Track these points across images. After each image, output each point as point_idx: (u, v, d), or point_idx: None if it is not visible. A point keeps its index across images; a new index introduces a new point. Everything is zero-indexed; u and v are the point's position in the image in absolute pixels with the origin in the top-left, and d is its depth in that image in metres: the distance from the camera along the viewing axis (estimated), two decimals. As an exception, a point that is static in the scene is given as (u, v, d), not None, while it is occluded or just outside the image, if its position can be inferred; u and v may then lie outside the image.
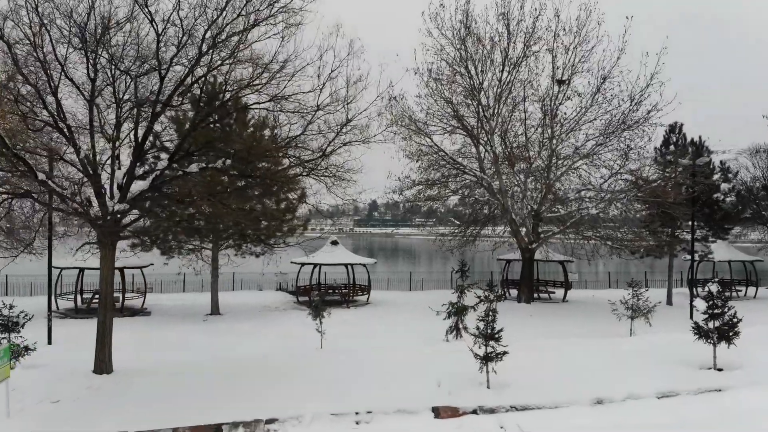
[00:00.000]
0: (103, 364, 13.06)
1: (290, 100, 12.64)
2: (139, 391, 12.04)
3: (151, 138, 14.82)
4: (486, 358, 11.09)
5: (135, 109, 11.79)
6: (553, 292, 34.05)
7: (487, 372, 11.20)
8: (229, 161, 11.59)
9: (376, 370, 12.93)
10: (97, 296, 29.99)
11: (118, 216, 11.83)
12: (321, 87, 11.80)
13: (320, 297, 18.87)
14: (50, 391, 12.52)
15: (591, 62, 29.48)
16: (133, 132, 11.99)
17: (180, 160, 12.88)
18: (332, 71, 11.60)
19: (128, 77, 11.34)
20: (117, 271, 28.62)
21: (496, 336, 11.07)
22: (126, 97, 11.70)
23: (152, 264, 29.03)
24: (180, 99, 11.63)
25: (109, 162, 13.14)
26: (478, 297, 11.22)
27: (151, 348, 19.92)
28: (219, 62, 11.57)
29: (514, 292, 32.91)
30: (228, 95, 12.43)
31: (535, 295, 32.79)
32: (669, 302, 31.79)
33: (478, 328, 11.29)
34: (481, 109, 29.93)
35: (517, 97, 30.21)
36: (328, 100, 12.00)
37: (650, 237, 30.65)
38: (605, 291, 39.77)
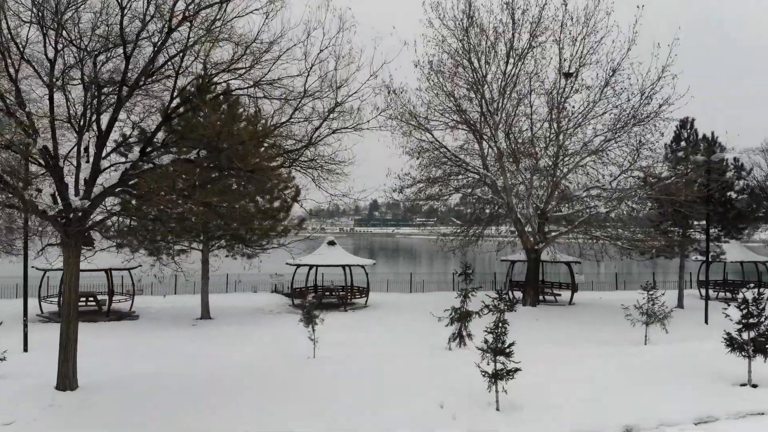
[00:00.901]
0: (66, 380, 11.71)
1: (275, 86, 11.29)
2: (101, 412, 10.70)
3: (130, 128, 13.47)
4: (495, 376, 9.71)
5: (96, 94, 10.40)
6: (559, 295, 32.70)
7: (497, 392, 9.83)
8: (203, 152, 10.25)
9: (371, 386, 11.56)
10: (82, 299, 28.86)
11: (80, 214, 10.48)
12: (309, 69, 10.44)
13: (312, 302, 17.47)
14: (8, 409, 11.20)
15: (600, 54, 28.15)
16: (95, 119, 10.59)
17: (154, 151, 11.55)
18: (321, 51, 10.25)
19: (87, 56, 9.95)
20: (103, 273, 27.64)
21: (507, 351, 9.69)
22: (88, 79, 10.31)
23: (140, 265, 27.67)
24: (144, 81, 10.26)
25: (77, 154, 11.81)
26: (487, 306, 9.87)
27: (131, 356, 18.65)
28: (194, 40, 10.21)
29: (518, 294, 31.65)
30: (206, 79, 11.05)
31: (540, 297, 31.45)
32: (680, 305, 30.41)
33: (486, 341, 9.91)
34: (484, 103, 28.53)
35: (522, 90, 28.84)
36: (317, 84, 10.66)
37: (661, 237, 29.28)
38: (612, 293, 38.48)
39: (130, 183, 10.43)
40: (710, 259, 30.85)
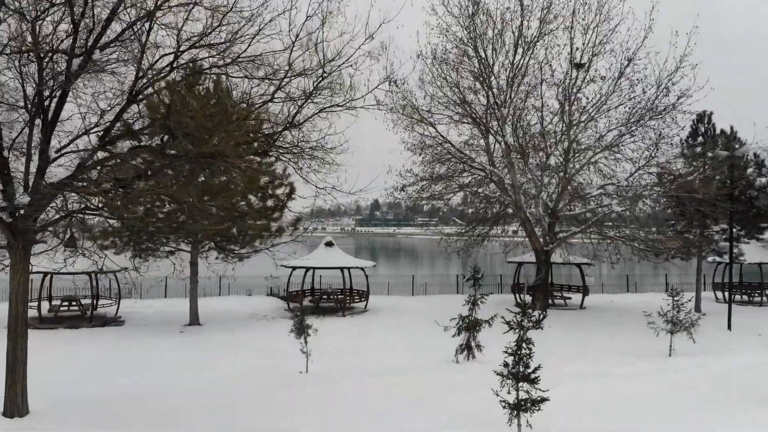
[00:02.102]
0: (14, 405, 10.06)
1: (256, 63, 9.64)
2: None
3: (97, 116, 11.80)
4: (518, 407, 8.04)
5: (38, 68, 8.75)
6: (569, 298, 31.03)
7: (519, 425, 8.16)
8: (168, 138, 8.62)
9: (368, 415, 9.90)
10: (66, 303, 27.23)
11: (22, 212, 8.85)
12: (294, 40, 8.77)
13: (304, 312, 15.84)
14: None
15: (614, 43, 26.43)
16: (37, 98, 8.91)
17: (119, 139, 9.94)
18: (308, 17, 8.57)
19: (26, 21, 8.31)
20: (86, 276, 26.00)
21: (532, 377, 8.02)
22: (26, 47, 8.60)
23: (127, 268, 25.99)
24: (106, 51, 8.63)
25: (28, 142, 10.15)
26: (506, 322, 8.23)
27: (108, 367, 17.07)
28: (157, 5, 8.57)
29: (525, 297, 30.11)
30: (174, 56, 9.43)
31: (549, 301, 29.76)
32: (697, 309, 28.73)
33: (506, 364, 8.25)
34: (491, 95, 26.85)
35: (531, 81, 27.15)
36: (304, 58, 8.99)
37: (679, 237, 27.60)
38: (623, 295, 36.85)
39: (79, 176, 8.78)
40: (728, 261, 29.26)
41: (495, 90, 26.92)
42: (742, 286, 35.05)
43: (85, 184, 8.19)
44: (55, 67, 9.42)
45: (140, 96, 9.79)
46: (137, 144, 9.04)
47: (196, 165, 8.67)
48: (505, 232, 33.78)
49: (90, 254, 10.46)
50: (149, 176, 8.77)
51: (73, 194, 9.03)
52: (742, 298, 33.75)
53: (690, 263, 31.67)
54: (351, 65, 8.62)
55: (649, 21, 25.73)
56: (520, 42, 26.46)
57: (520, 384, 8.08)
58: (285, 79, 9.06)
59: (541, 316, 8.06)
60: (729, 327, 24.28)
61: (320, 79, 8.93)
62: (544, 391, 7.98)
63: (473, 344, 16.29)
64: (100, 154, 9.79)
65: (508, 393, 8.17)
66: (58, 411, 10.90)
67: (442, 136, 28.30)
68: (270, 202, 25.66)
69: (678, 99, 25.54)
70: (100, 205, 8.83)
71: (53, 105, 9.23)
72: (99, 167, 8.93)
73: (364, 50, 8.51)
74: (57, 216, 9.92)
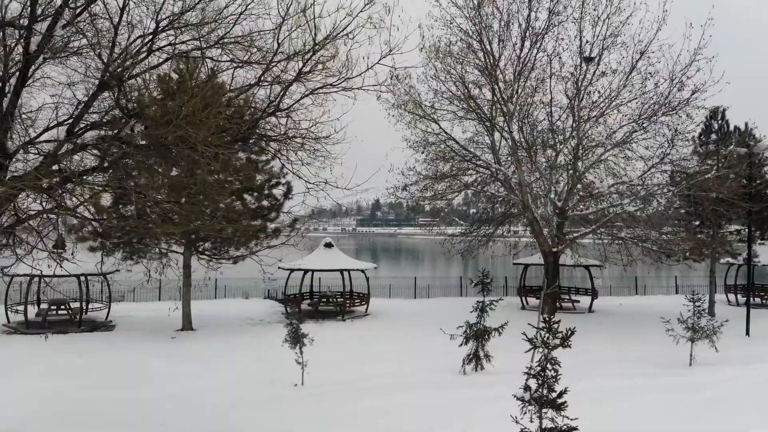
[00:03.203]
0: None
1: (242, 44, 8.56)
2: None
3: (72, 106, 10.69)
4: (542, 438, 6.94)
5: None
6: (578, 301, 29.94)
7: (543, 458, 7.06)
8: (140, 127, 7.54)
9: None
10: (53, 307, 26.14)
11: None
12: (283, 18, 7.66)
13: (300, 319, 14.74)
14: None
15: (625, 35, 25.26)
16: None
17: (92, 129, 8.86)
18: (299, -10, 7.48)
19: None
20: (75, 278, 24.91)
21: (559, 402, 6.92)
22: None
23: (118, 270, 24.97)
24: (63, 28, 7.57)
25: None
26: (528, 339, 7.14)
27: (88, 378, 15.99)
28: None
29: (530, 300, 29.08)
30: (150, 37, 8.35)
31: (557, 304, 28.65)
32: (711, 313, 27.57)
33: (527, 387, 7.15)
34: (497, 89, 25.71)
35: (540, 74, 26.01)
36: (289, 39, 7.88)
37: (692, 238, 26.49)
38: (632, 298, 35.81)
39: (41, 173, 7.68)
40: (742, 262, 28.24)
41: (501, 84, 25.79)
42: (755, 288, 33.96)
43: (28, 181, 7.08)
44: (15, 45, 8.34)
45: (113, 82, 8.69)
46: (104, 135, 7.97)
47: (155, 153, 7.54)
48: (510, 233, 32.69)
49: (52, 257, 9.34)
50: (104, 168, 7.67)
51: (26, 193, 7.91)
52: (754, 300, 32.67)
53: (697, 265, 30.64)
54: (347, 34, 7.44)
55: (663, 12, 24.61)
56: (527, 34, 25.35)
57: (544, 410, 6.98)
58: (272, 63, 7.94)
59: (569, 332, 6.94)
60: (747, 332, 23.17)
61: (311, 54, 7.76)
62: (572, 420, 6.88)
63: (482, 354, 15.19)
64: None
65: (531, 421, 7.07)
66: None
67: (446, 132, 27.25)
68: (266, 202, 24.59)
69: (693, 94, 24.41)
70: (73, 206, 7.73)
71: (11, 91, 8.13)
72: (57, 163, 7.84)
73: (362, 18, 7.38)
74: (9, 220, 8.79)
